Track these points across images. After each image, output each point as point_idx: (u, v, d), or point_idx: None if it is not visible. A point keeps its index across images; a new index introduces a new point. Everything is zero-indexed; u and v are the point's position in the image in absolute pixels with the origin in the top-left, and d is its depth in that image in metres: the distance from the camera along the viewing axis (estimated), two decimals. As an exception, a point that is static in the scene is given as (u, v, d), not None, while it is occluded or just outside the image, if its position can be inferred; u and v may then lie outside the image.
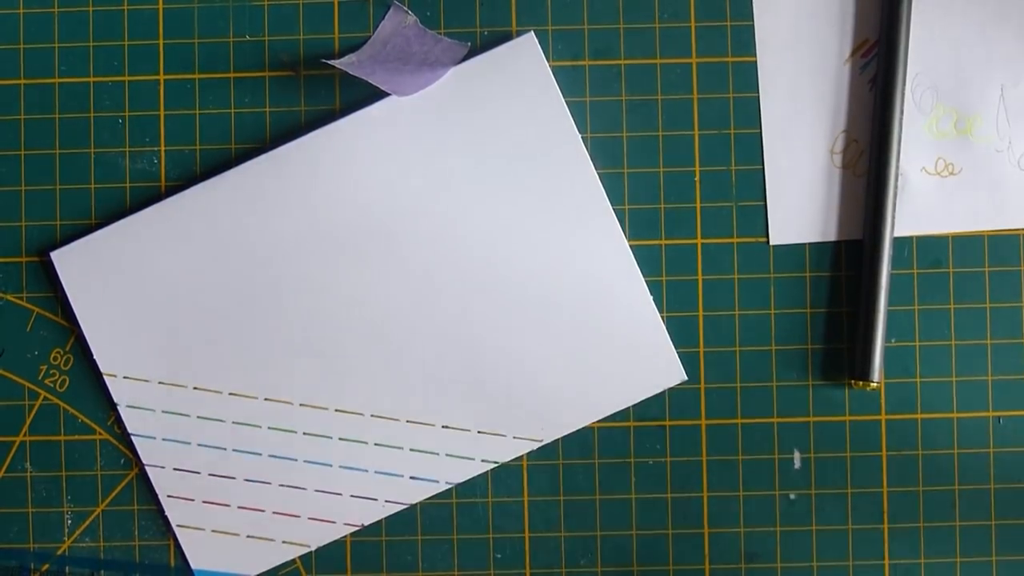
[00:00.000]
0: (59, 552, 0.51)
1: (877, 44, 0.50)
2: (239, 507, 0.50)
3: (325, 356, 0.50)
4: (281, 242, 0.50)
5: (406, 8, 0.50)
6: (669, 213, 0.51)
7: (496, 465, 0.50)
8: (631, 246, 0.50)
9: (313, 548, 0.51)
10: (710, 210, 0.51)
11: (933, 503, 0.51)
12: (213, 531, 0.50)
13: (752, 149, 0.51)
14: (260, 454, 0.50)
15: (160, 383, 0.50)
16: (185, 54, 0.51)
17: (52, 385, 0.51)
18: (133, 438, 0.50)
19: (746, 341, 0.51)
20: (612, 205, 0.50)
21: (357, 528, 0.51)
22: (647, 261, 0.50)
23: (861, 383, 0.49)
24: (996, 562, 0.51)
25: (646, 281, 0.50)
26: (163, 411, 0.50)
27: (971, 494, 0.51)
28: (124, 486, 0.51)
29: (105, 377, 0.50)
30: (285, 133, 0.50)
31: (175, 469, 0.50)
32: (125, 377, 0.50)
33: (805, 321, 0.51)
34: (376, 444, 0.50)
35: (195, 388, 0.50)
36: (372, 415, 0.50)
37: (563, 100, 0.50)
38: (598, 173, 0.50)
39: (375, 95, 0.49)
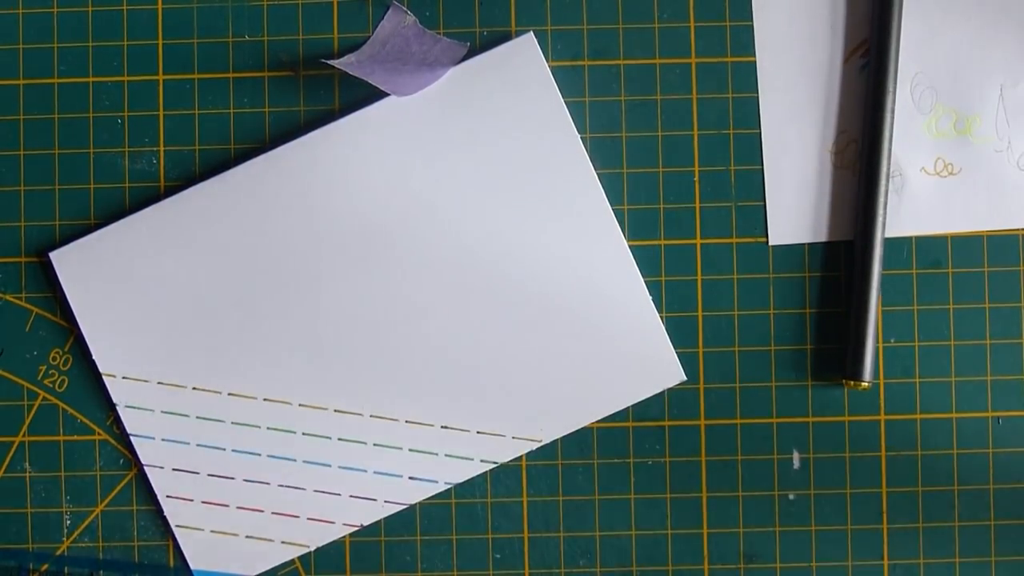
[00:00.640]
0: (58, 552, 0.51)
1: (876, 44, 0.51)
2: (238, 507, 0.50)
3: (324, 356, 0.50)
4: (280, 242, 0.50)
5: (405, 8, 0.50)
6: (668, 213, 0.51)
7: (495, 465, 0.50)
8: (630, 246, 0.50)
9: (312, 548, 0.51)
10: (709, 210, 0.51)
11: (932, 503, 0.51)
12: (212, 531, 0.50)
13: (751, 149, 0.51)
14: (259, 454, 0.50)
15: (159, 383, 0.50)
16: (184, 54, 0.51)
17: (51, 385, 0.51)
18: (132, 438, 0.50)
19: (745, 341, 0.51)
20: (611, 205, 0.50)
21: (356, 528, 0.51)
22: (646, 261, 0.50)
23: (853, 383, 0.49)
24: (995, 562, 0.51)
25: (645, 281, 0.50)
26: (162, 411, 0.50)
27: (970, 494, 0.51)
28: (123, 486, 0.51)
29: (104, 377, 0.50)
30: (284, 133, 0.50)
31: (174, 469, 0.50)
32: (124, 377, 0.50)
33: (804, 321, 0.51)
34: (375, 444, 0.50)
35: (194, 388, 0.50)
36: (371, 415, 0.50)
37: (562, 100, 0.50)
38: (597, 173, 0.50)
39: (374, 95, 0.49)
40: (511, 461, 0.50)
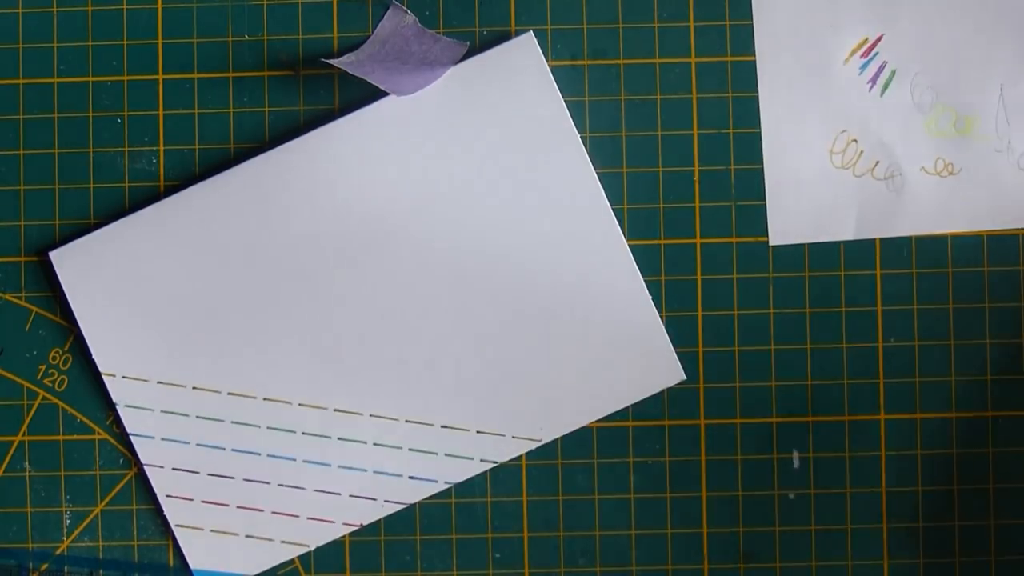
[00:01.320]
0: (58, 552, 0.51)
1: (876, 44, 0.50)
2: (238, 507, 0.50)
3: (324, 355, 0.50)
4: (280, 242, 0.50)
5: (405, 8, 0.50)
6: (668, 213, 0.51)
7: (495, 465, 0.50)
8: (630, 246, 0.50)
9: (312, 548, 0.51)
10: (709, 210, 0.51)
11: (932, 503, 0.51)
12: (212, 531, 0.50)
13: (751, 149, 0.51)
14: (259, 454, 0.50)
15: (159, 383, 0.50)
16: (184, 54, 0.51)
17: (51, 385, 0.51)
18: (132, 438, 0.50)
19: (745, 341, 0.51)
20: (611, 205, 0.50)
21: (356, 528, 0.51)
22: (646, 261, 0.50)
23: None
24: (995, 562, 0.51)
25: (645, 281, 0.50)
26: (162, 411, 0.50)
27: (969, 494, 0.51)
28: (123, 486, 0.51)
29: (104, 377, 0.50)
30: (284, 133, 0.50)
31: (174, 469, 0.50)
32: (124, 377, 0.50)
33: (804, 321, 0.51)
34: (375, 444, 0.50)
35: (194, 388, 0.50)
36: (371, 415, 0.50)
37: (562, 100, 0.50)
38: (597, 173, 0.50)
39: (374, 95, 0.49)
40: (511, 460, 0.50)
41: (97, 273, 0.50)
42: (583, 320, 0.50)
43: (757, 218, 0.51)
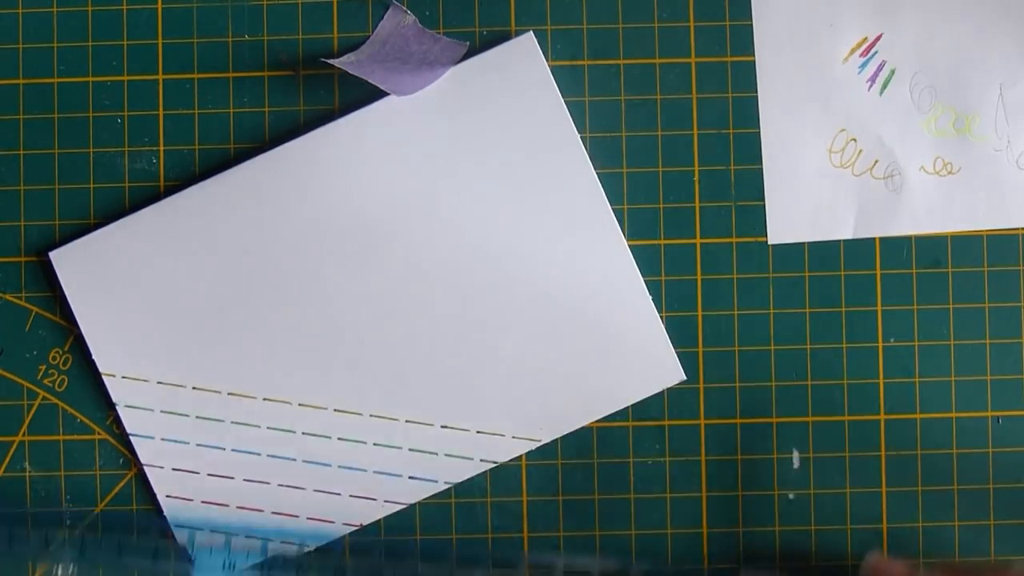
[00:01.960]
0: (58, 552, 0.51)
1: (875, 43, 0.50)
2: (238, 507, 0.50)
3: (324, 356, 0.50)
4: (280, 242, 0.50)
5: (405, 8, 0.50)
6: (668, 213, 0.51)
7: (495, 465, 0.50)
8: (630, 246, 0.50)
9: (312, 548, 0.51)
10: (709, 210, 0.51)
11: (932, 503, 0.51)
12: (212, 531, 0.50)
13: (751, 149, 0.51)
14: (259, 454, 0.50)
15: (159, 383, 0.50)
16: (184, 54, 0.51)
17: (51, 385, 0.51)
18: (132, 438, 0.50)
19: (745, 341, 0.51)
20: (611, 205, 0.50)
21: (356, 528, 0.50)
22: (646, 261, 0.50)
23: None
24: (995, 562, 0.50)
25: (645, 281, 0.50)
26: (162, 411, 0.50)
27: (970, 494, 0.51)
28: (123, 486, 0.51)
29: (104, 377, 0.50)
30: (284, 133, 0.50)
31: (174, 469, 0.50)
32: (124, 377, 0.50)
33: (804, 321, 0.51)
34: (375, 444, 0.50)
35: (194, 388, 0.50)
36: (371, 415, 0.50)
37: (562, 100, 0.50)
38: (597, 173, 0.50)
39: (374, 95, 0.49)
40: (511, 461, 0.50)
41: (97, 273, 0.50)
42: (583, 320, 0.50)
43: (757, 218, 0.51)
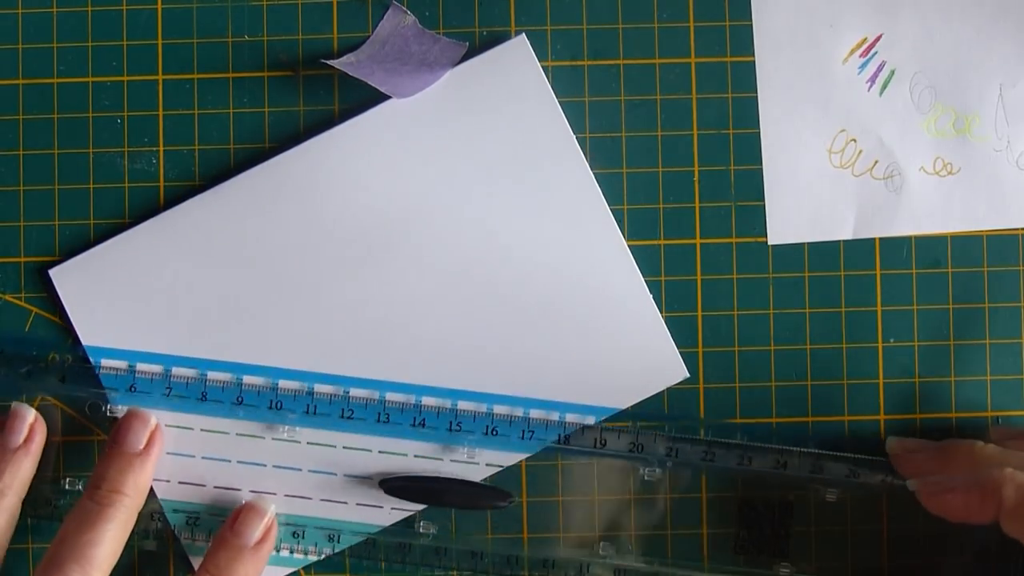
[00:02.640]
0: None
1: (875, 43, 0.51)
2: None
3: (328, 364, 0.50)
4: (281, 251, 0.50)
5: (405, 8, 0.50)
6: (668, 213, 0.51)
7: (500, 469, 0.50)
8: (630, 246, 0.50)
9: (322, 558, 0.51)
10: (709, 210, 0.51)
11: (933, 503, 0.51)
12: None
13: (751, 149, 0.51)
14: (264, 465, 0.50)
15: (162, 395, 0.50)
16: (184, 54, 0.51)
17: (51, 385, 0.50)
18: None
19: (745, 341, 0.51)
20: (611, 205, 0.50)
21: (362, 538, 0.50)
22: (646, 261, 0.50)
23: None
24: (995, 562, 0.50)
25: (645, 281, 0.50)
26: (167, 424, 0.50)
27: (971, 494, 0.51)
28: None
29: (108, 392, 0.50)
30: (284, 133, 0.50)
31: (180, 483, 0.50)
32: (128, 390, 0.50)
33: (804, 321, 0.51)
34: (380, 452, 0.50)
35: (197, 400, 0.50)
36: (375, 421, 0.50)
37: (556, 101, 0.50)
38: (597, 173, 0.50)
39: (374, 95, 0.49)
40: (511, 461, 0.50)
41: (98, 288, 0.50)
42: (584, 321, 0.50)
43: (756, 218, 0.51)
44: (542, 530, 0.51)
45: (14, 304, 0.50)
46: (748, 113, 0.51)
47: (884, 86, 0.51)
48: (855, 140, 0.51)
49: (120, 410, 0.49)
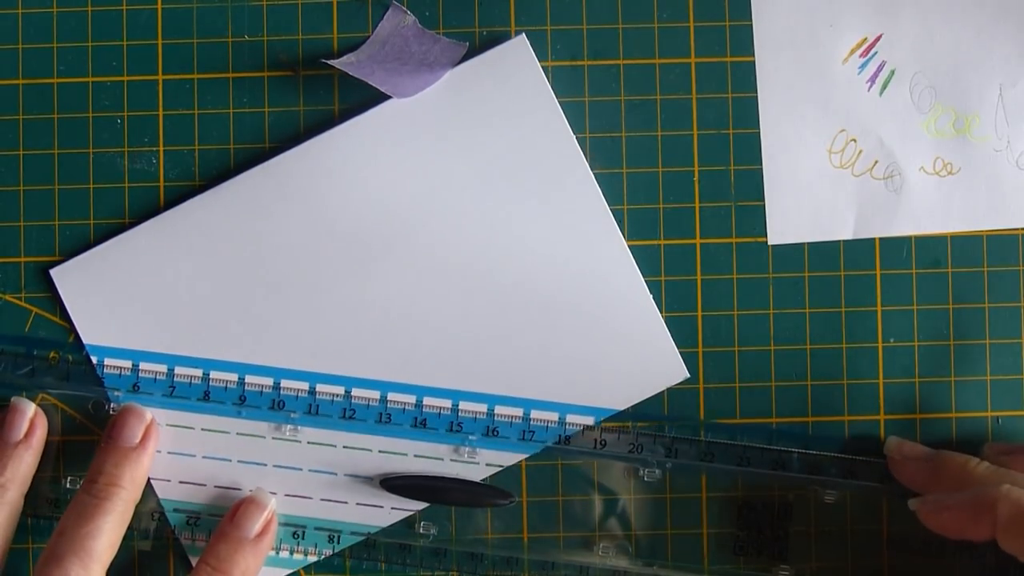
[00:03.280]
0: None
1: (875, 43, 0.51)
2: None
3: (328, 364, 0.50)
4: (280, 251, 0.50)
5: (405, 8, 0.50)
6: (668, 213, 0.51)
7: (499, 468, 0.50)
8: (630, 246, 0.50)
9: (321, 559, 0.51)
10: (709, 210, 0.51)
11: (933, 503, 0.51)
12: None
13: (751, 149, 0.51)
14: (265, 464, 0.50)
15: (163, 395, 0.50)
16: (184, 54, 0.51)
17: (51, 385, 0.50)
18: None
19: (745, 341, 0.51)
20: (611, 205, 0.50)
21: (363, 538, 0.50)
22: (646, 261, 0.50)
23: None
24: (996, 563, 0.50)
25: (645, 281, 0.50)
26: (168, 424, 0.50)
27: (971, 494, 0.51)
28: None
29: (110, 391, 0.50)
30: (284, 133, 0.50)
31: (181, 482, 0.50)
32: (129, 391, 0.50)
33: (804, 321, 0.51)
34: (380, 452, 0.50)
35: (199, 400, 0.50)
36: (375, 422, 0.50)
37: (556, 101, 0.50)
38: (597, 173, 0.50)
39: (374, 95, 0.49)
40: (511, 461, 0.50)
41: (99, 288, 0.50)
42: (584, 321, 0.50)
43: (756, 218, 0.51)
44: (542, 530, 0.51)
45: (14, 304, 0.50)
46: (748, 113, 0.51)
47: (884, 86, 0.51)
48: (855, 140, 0.51)
49: None
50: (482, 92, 0.50)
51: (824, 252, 0.51)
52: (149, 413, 0.49)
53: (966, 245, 0.51)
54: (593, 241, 0.50)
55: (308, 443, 0.50)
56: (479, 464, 0.50)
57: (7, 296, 0.50)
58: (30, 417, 0.49)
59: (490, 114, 0.50)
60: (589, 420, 0.50)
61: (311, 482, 0.50)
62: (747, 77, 0.51)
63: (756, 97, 0.51)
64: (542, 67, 0.50)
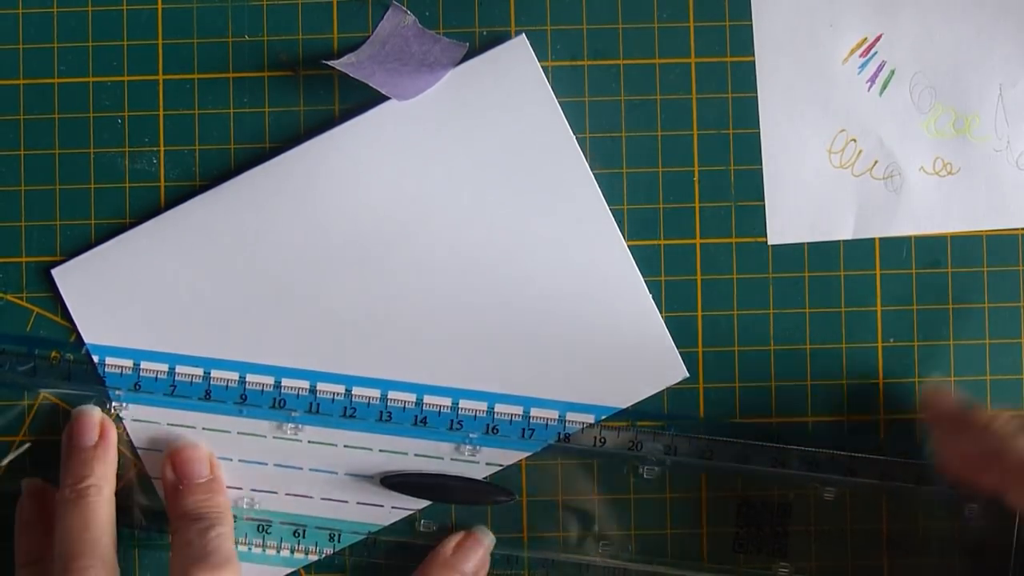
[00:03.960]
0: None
1: (875, 43, 0.50)
2: (246, 518, 0.50)
3: (330, 363, 0.50)
4: (282, 251, 0.50)
5: (405, 8, 0.50)
6: (668, 213, 0.51)
7: (498, 467, 0.50)
8: (630, 246, 0.50)
9: (321, 558, 0.51)
10: (709, 210, 0.51)
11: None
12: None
13: (751, 149, 0.51)
14: (266, 464, 0.50)
15: (165, 395, 0.50)
16: (184, 54, 0.51)
17: (51, 385, 0.50)
18: (140, 452, 0.50)
19: (745, 341, 0.51)
20: (611, 205, 0.50)
21: (363, 537, 0.51)
22: (646, 261, 0.50)
23: None
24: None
25: (645, 281, 0.50)
26: (168, 424, 0.50)
27: (970, 494, 0.51)
28: (122, 486, 0.51)
29: (112, 390, 0.50)
30: (284, 133, 0.50)
31: None
32: (130, 390, 0.50)
33: (804, 321, 0.51)
34: (380, 451, 0.50)
35: (200, 399, 0.50)
36: (376, 422, 0.50)
37: (556, 101, 0.50)
38: (597, 173, 0.50)
39: (374, 95, 0.49)
40: (511, 461, 0.51)
41: (100, 288, 0.50)
42: (584, 321, 0.50)
43: (756, 218, 0.51)
44: (542, 528, 0.51)
45: (16, 304, 0.51)
46: (748, 113, 0.51)
47: (884, 86, 0.51)
48: (855, 140, 0.51)
49: (126, 408, 0.50)
50: (482, 92, 0.50)
51: (824, 252, 0.51)
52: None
53: (966, 245, 0.51)
54: (593, 241, 0.50)
55: (309, 442, 0.50)
56: (479, 463, 0.50)
57: (9, 296, 0.51)
58: (98, 421, 0.49)
59: (490, 114, 0.50)
60: (589, 418, 0.50)
61: (312, 481, 0.50)
62: (747, 77, 0.51)
63: (756, 97, 0.51)
64: (542, 67, 0.50)
